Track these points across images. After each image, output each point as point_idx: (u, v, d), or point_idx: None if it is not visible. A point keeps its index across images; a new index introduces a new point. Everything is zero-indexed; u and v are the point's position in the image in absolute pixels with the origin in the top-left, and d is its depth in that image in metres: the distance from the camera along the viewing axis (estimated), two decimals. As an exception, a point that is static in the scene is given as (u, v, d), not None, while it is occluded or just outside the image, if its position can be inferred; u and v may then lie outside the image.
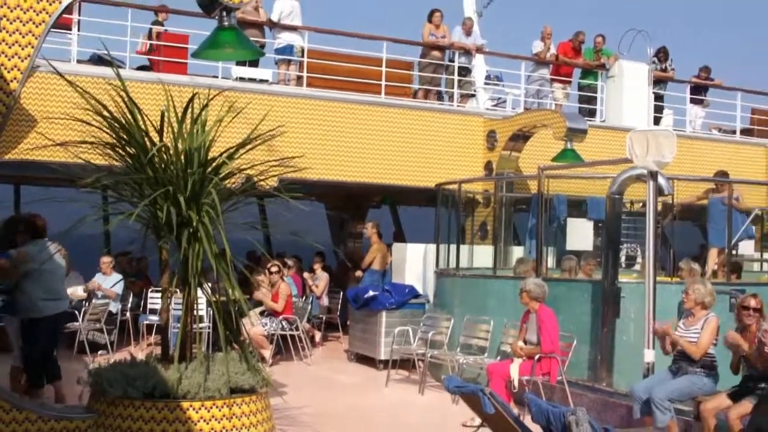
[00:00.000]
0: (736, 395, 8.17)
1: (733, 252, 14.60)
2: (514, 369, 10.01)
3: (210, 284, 6.95)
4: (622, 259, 13.74)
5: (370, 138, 15.39)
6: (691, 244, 16.23)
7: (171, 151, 6.51)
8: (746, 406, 7.93)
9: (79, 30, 14.03)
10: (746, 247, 16.78)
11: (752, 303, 8.29)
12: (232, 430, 6.11)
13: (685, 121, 20.09)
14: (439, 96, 17.51)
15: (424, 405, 11.23)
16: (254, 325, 13.30)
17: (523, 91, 18.12)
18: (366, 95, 15.71)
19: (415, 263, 15.43)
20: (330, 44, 16.50)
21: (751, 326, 8.24)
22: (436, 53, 17.12)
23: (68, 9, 6.33)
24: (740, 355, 8.26)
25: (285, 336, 13.94)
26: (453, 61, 17.16)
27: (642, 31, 18.98)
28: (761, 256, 16.92)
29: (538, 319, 10.24)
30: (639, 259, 13.78)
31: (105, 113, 6.48)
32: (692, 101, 20.43)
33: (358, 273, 14.97)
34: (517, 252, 15.32)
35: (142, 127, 6.51)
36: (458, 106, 16.97)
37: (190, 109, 6.58)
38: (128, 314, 14.70)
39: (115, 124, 6.49)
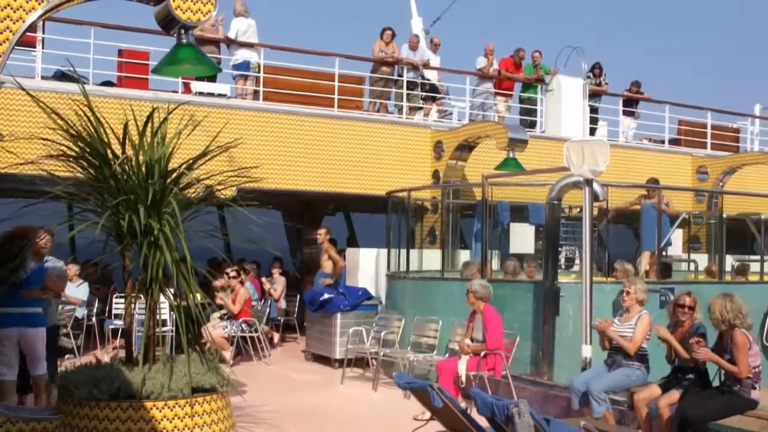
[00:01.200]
0: (665, 386, 8.29)
1: (663, 253, 14.80)
2: (462, 365, 10.05)
3: (172, 289, 6.90)
4: (562, 260, 13.85)
5: (323, 149, 15.37)
6: (625, 246, 16.37)
7: (132, 163, 6.45)
8: (674, 395, 8.06)
9: (43, 47, 13.85)
10: (675, 249, 17.02)
11: (687, 301, 8.41)
12: (194, 428, 6.06)
13: (618, 131, 20.34)
14: (392, 108, 17.54)
15: (378, 400, 11.23)
16: (215, 328, 13.27)
17: (468, 104, 18.23)
18: (319, 108, 15.70)
19: (367, 267, 15.43)
20: (285, 60, 16.49)
21: (684, 322, 8.36)
22: (386, 69, 17.14)
23: (32, 27, 6.23)
24: (672, 348, 8.38)
25: (245, 338, 13.90)
26: (402, 76, 17.23)
27: (577, 48, 19.25)
28: (689, 256, 17.14)
29: (483, 318, 10.28)
30: (577, 261, 13.88)
31: (68, 128, 6.41)
32: (624, 113, 20.68)
33: (327, 281, 14.83)
34: (464, 255, 15.39)
35: (105, 140, 6.45)
36: (407, 118, 17.00)
37: (150, 123, 6.53)
38: (94, 319, 14.54)
39: (78, 138, 6.42)
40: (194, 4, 6.75)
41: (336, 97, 15.92)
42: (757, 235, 16.89)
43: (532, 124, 18.50)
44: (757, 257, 15.97)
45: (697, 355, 7.88)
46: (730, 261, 15.79)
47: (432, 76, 17.92)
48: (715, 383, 8.10)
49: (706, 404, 7.79)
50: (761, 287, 13.91)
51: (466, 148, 15.79)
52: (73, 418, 6.02)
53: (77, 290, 13.92)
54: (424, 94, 17.68)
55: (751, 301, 8.04)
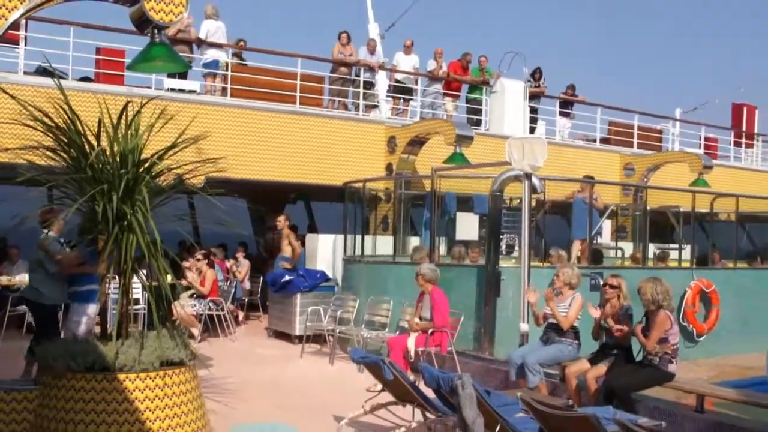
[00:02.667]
0: (594, 360, 8.42)
1: (594, 241, 14.99)
2: (411, 342, 10.09)
3: (144, 271, 6.84)
4: (503, 247, 13.95)
5: (286, 142, 15.31)
6: (560, 234, 16.55)
7: (107, 153, 6.38)
8: (601, 368, 8.19)
9: (26, 45, 13.61)
10: (604, 238, 17.26)
11: (613, 282, 8.55)
12: (164, 398, 6.02)
13: (555, 130, 20.50)
14: (349, 105, 17.53)
15: (334, 374, 11.22)
16: (185, 307, 13.20)
17: (419, 103, 18.26)
18: (283, 105, 15.62)
19: (325, 251, 15.43)
20: (251, 60, 16.38)
21: (611, 300, 8.49)
22: (344, 69, 17.12)
23: (15, 25, 6.10)
24: (600, 325, 8.50)
25: (212, 316, 13.88)
26: (359, 76, 17.22)
27: (518, 54, 19.35)
28: (616, 244, 17.37)
29: (431, 299, 10.32)
30: (516, 247, 14.00)
31: (47, 120, 6.32)
32: (561, 114, 20.88)
33: (286, 264, 14.75)
34: (414, 241, 15.44)
35: (81, 131, 6.37)
36: (363, 115, 16.99)
37: (124, 116, 6.45)
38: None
39: (55, 129, 6.33)
40: (167, 5, 6.69)
41: (298, 94, 15.87)
42: (676, 226, 17.17)
43: (478, 123, 18.57)
44: (676, 246, 16.25)
45: (618, 333, 8.10)
46: (652, 249, 16.06)
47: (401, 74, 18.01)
48: (639, 359, 8.24)
49: (630, 377, 7.93)
50: (679, 272, 14.18)
51: (417, 143, 15.82)
52: (51, 388, 5.96)
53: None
54: (396, 95, 17.82)
55: (670, 285, 8.17)
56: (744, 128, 25.80)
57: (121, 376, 5.90)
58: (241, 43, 16.39)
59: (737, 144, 25.47)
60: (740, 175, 22.71)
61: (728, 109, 26.26)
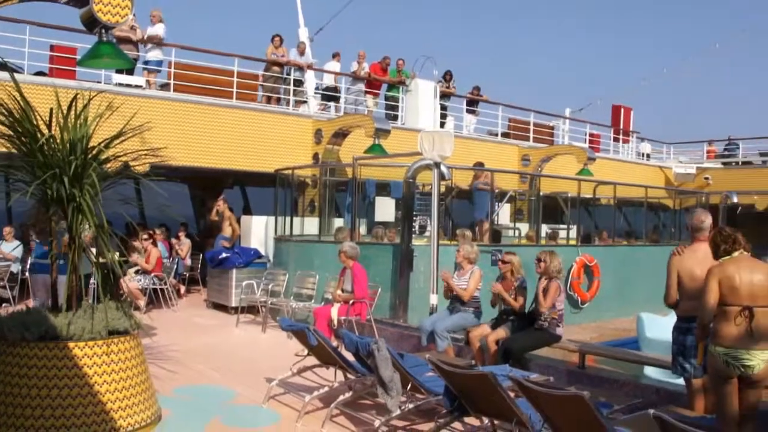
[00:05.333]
0: (494, 325, 8.57)
1: (495, 222, 15.22)
2: (334, 311, 10.11)
3: (94, 248, 6.67)
4: (416, 227, 14.05)
5: (223, 133, 15.11)
6: (466, 216, 16.76)
7: (58, 141, 6.20)
8: (500, 332, 8.34)
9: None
10: (503, 219, 17.52)
11: (506, 258, 8.70)
12: (110, 364, 5.90)
13: (462, 125, 20.69)
14: (279, 101, 17.35)
15: (266, 340, 11.17)
16: (131, 281, 12.99)
17: (343, 100, 18.19)
18: (220, 99, 15.39)
19: (259, 231, 15.32)
20: (192, 58, 16.08)
21: (506, 273, 8.64)
22: (276, 68, 16.95)
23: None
24: (499, 296, 8.63)
25: (156, 289, 13.69)
26: (290, 75, 17.07)
27: (430, 58, 19.48)
28: (514, 225, 17.66)
29: (352, 273, 10.35)
30: (428, 228, 14.14)
31: (3, 110, 6.10)
32: (467, 111, 21.08)
33: (225, 243, 14.57)
34: (338, 222, 15.44)
35: (34, 121, 6.17)
36: (293, 109, 16.85)
37: (74, 107, 6.27)
38: (27, 274, 13.88)
39: (11, 119, 6.12)
40: (113, 7, 6.54)
41: (234, 90, 15.67)
42: (565, 209, 17.54)
43: (395, 117, 18.60)
44: (565, 226, 16.63)
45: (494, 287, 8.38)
46: (545, 229, 16.39)
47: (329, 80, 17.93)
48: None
49: (524, 339, 8.11)
50: (567, 249, 14.52)
51: (340, 135, 15.78)
52: (6, 356, 5.77)
53: (13, 248, 13.39)
54: (323, 92, 17.72)
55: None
56: (621, 126, 26.53)
57: (71, 345, 5.76)
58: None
59: (616, 140, 26.16)
60: (618, 166, 23.35)
61: (609, 110, 27.00)
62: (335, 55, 18.40)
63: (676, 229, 20.34)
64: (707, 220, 6.44)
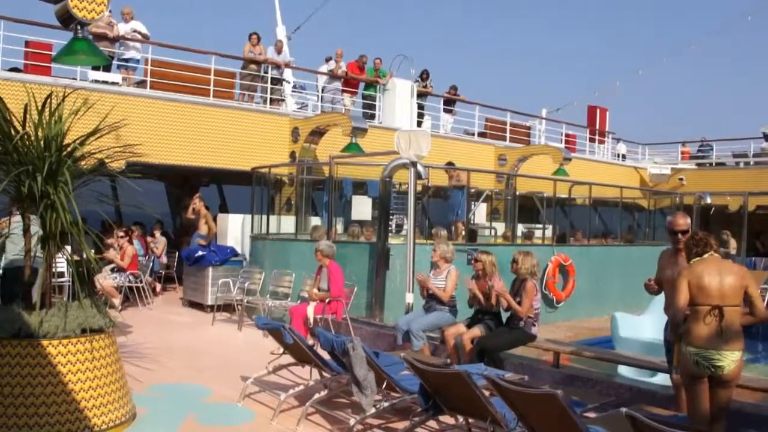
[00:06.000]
0: (469, 324, 8.60)
1: (471, 221, 15.28)
2: (310, 310, 10.09)
3: (69, 246, 6.63)
4: (392, 226, 14.10)
5: (200, 131, 15.04)
6: (443, 215, 16.82)
7: (32, 138, 6.14)
8: (475, 331, 8.38)
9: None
10: (480, 218, 17.60)
11: (482, 257, 8.72)
12: (84, 362, 5.87)
13: (439, 125, 20.75)
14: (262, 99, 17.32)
15: (242, 339, 11.15)
16: (106, 279, 12.91)
17: (320, 98, 18.18)
18: (197, 97, 15.31)
19: (235, 229, 15.27)
20: (169, 56, 15.99)
21: (479, 272, 8.67)
22: (253, 66, 16.91)
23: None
24: (474, 295, 8.68)
25: (132, 287, 13.60)
26: (267, 73, 17.04)
27: (407, 57, 19.52)
28: (490, 224, 17.75)
29: (328, 272, 10.35)
30: (405, 227, 14.18)
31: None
32: (444, 111, 21.15)
33: (201, 241, 14.49)
34: (314, 221, 15.41)
35: (7, 117, 6.11)
36: (270, 107, 16.82)
37: (48, 104, 6.22)
38: (0, 271, 13.73)
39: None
40: (89, 4, 6.51)
41: (211, 88, 15.58)
42: (540, 209, 17.66)
43: (372, 116, 18.62)
44: (540, 225, 16.74)
45: (496, 284, 8.23)
46: (521, 228, 16.49)
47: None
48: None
49: (499, 338, 8.15)
50: (542, 248, 14.62)
51: (318, 133, 15.78)
52: (-22, 354, 5.72)
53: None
54: (297, 91, 17.70)
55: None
56: (597, 127, 26.76)
57: (45, 342, 5.73)
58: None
59: (591, 140, 26.38)
60: (593, 167, 23.55)
61: (585, 111, 27.22)
62: (329, 59, 18.52)
63: (651, 230, 20.57)
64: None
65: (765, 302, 14.72)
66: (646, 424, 3.86)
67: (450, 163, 15.47)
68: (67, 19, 6.59)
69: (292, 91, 17.88)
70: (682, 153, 28.27)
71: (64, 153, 6.21)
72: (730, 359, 5.13)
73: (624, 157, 27.90)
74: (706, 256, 5.33)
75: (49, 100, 6.22)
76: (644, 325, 10.86)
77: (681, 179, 25.94)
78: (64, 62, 7.82)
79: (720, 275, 5.20)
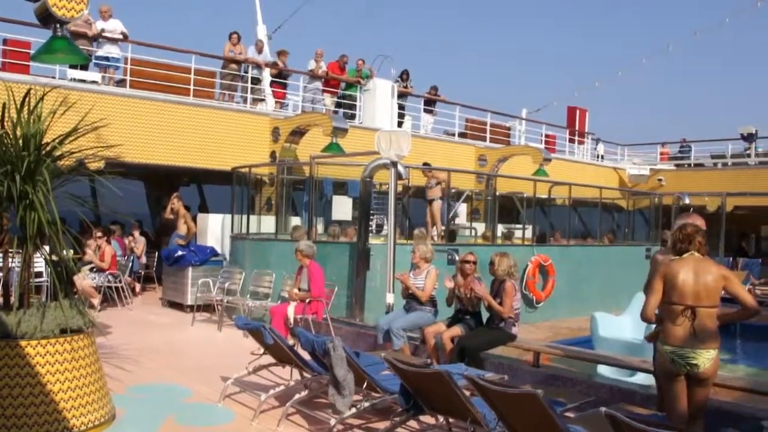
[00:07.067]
0: (450, 324, 8.62)
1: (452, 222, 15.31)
2: (291, 310, 10.09)
3: (48, 246, 6.57)
4: (373, 226, 14.11)
5: (180, 130, 14.98)
6: (424, 215, 16.85)
7: (10, 137, 6.09)
8: (456, 330, 8.41)
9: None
10: (460, 218, 17.65)
11: (470, 258, 8.72)
12: (63, 362, 5.83)
13: (420, 125, 20.79)
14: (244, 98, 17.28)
15: (222, 339, 11.11)
16: (85, 279, 12.83)
17: (301, 98, 18.16)
18: (177, 96, 15.25)
19: (215, 229, 15.24)
20: (149, 55, 15.91)
21: (469, 275, 8.69)
22: (233, 66, 16.86)
23: None
24: (454, 294, 8.70)
25: (111, 287, 13.55)
26: (247, 73, 17.00)
27: (388, 57, 19.55)
28: (471, 224, 17.81)
29: (309, 272, 10.35)
30: (385, 227, 14.19)
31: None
32: (425, 111, 21.19)
33: (180, 241, 14.38)
34: (295, 221, 15.40)
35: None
36: (251, 107, 16.78)
37: (27, 103, 6.17)
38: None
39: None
40: (68, 2, 6.46)
41: (191, 87, 15.53)
42: (521, 209, 17.75)
43: (352, 116, 18.64)
44: (520, 226, 16.83)
45: (476, 287, 8.24)
46: (501, 228, 16.56)
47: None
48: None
49: (479, 337, 8.18)
50: (522, 248, 14.71)
51: (298, 133, 15.77)
52: (-45, 355, 5.67)
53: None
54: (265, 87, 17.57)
55: (515, 259, 8.48)
56: (577, 127, 26.94)
57: (23, 343, 5.68)
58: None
59: (571, 141, 26.56)
60: (573, 167, 23.72)
61: (564, 111, 27.39)
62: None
63: (630, 230, 20.74)
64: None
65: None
66: (626, 422, 3.90)
67: (426, 164, 15.52)
68: (46, 18, 6.55)
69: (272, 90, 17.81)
70: (661, 154, 28.56)
71: (43, 152, 6.17)
72: (705, 357, 5.19)
73: (602, 157, 28.11)
74: (686, 255, 5.37)
75: (27, 99, 6.18)
76: (624, 325, 10.94)
77: (660, 180, 26.19)
78: (42, 61, 7.76)
79: (696, 275, 5.24)
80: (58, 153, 6.31)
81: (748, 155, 25.83)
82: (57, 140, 6.29)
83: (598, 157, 27.76)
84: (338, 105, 19.05)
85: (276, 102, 17.60)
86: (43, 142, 6.19)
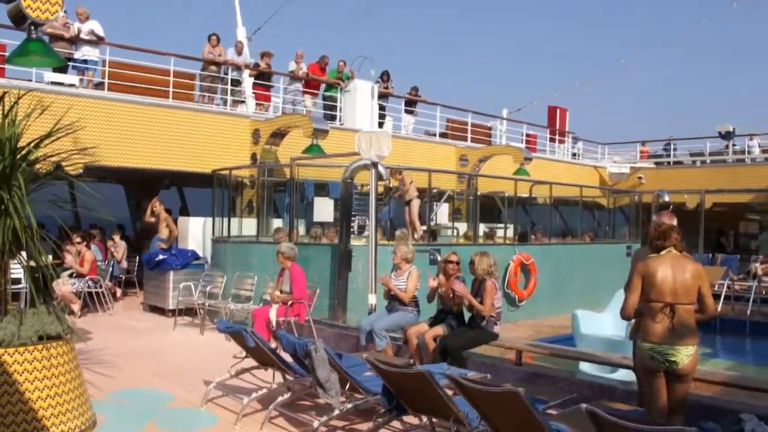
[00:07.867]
0: (432, 324, 8.62)
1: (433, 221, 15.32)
2: (273, 312, 10.06)
3: (25, 252, 6.49)
4: (354, 227, 14.09)
5: (159, 133, 14.89)
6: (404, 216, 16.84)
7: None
8: (438, 330, 8.41)
9: None
10: (442, 218, 17.67)
11: (453, 258, 8.72)
12: (42, 370, 5.75)
13: (401, 126, 20.80)
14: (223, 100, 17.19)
15: (205, 343, 11.05)
16: (65, 285, 12.70)
17: (281, 100, 18.11)
18: (156, 99, 15.16)
19: (196, 232, 15.16)
20: (127, 57, 15.80)
21: (452, 275, 8.68)
22: (213, 68, 16.78)
23: None
24: (436, 293, 8.70)
25: (91, 293, 13.43)
26: (227, 74, 16.93)
27: (368, 58, 19.56)
28: (453, 224, 17.84)
29: (290, 274, 10.32)
30: (367, 228, 14.18)
31: None
32: (406, 111, 21.20)
33: (162, 245, 14.28)
34: (276, 223, 15.36)
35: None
36: (231, 109, 16.70)
37: (1, 106, 6.08)
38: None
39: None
40: (43, 3, 6.38)
41: (171, 89, 15.45)
42: (502, 208, 17.79)
43: (333, 118, 18.61)
44: (502, 225, 16.87)
45: (456, 287, 8.24)
46: (482, 228, 16.60)
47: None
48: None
49: (462, 337, 8.20)
50: (504, 247, 14.74)
51: (278, 135, 15.71)
52: (-69, 363, 5.58)
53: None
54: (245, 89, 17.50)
55: (497, 258, 8.50)
56: (557, 127, 27.07)
57: (0, 351, 5.61)
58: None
59: (552, 140, 26.68)
60: (554, 166, 23.82)
61: (545, 111, 27.52)
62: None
63: (610, 228, 20.86)
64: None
65: (723, 295, 15.11)
66: (605, 419, 3.92)
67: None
68: (19, 20, 6.45)
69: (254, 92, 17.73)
70: (641, 152, 28.75)
71: (18, 156, 6.09)
72: (684, 354, 5.22)
73: (578, 155, 28.22)
74: (663, 252, 5.40)
75: (2, 102, 6.10)
76: (605, 323, 10.99)
77: (640, 178, 26.37)
78: (17, 63, 7.64)
79: (674, 273, 5.27)
80: (33, 157, 6.23)
81: (727, 153, 26.10)
82: (32, 144, 6.22)
83: (574, 155, 27.89)
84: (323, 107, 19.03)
85: (257, 104, 17.55)
86: (18, 146, 6.11)
